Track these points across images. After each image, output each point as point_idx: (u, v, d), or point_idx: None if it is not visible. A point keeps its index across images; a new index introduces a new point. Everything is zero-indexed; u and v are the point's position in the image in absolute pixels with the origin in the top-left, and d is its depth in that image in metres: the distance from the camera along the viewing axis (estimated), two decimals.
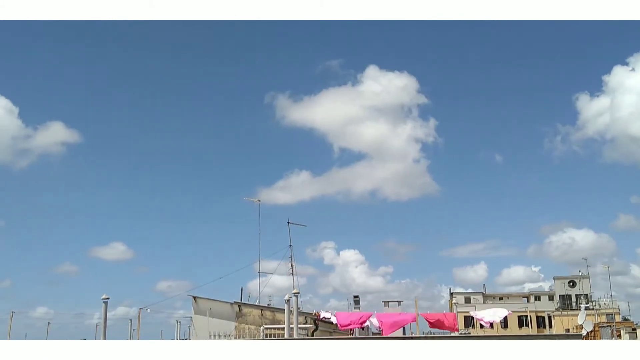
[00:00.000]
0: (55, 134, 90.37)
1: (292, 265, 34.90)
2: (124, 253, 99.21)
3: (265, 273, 35.37)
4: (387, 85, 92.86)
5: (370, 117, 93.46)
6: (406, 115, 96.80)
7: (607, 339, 40.31)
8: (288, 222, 35.61)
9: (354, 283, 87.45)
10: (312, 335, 27.19)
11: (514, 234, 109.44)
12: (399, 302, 38.26)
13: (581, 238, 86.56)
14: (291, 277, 34.92)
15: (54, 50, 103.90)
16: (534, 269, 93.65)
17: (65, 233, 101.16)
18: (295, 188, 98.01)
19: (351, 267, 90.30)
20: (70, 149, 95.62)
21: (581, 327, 35.12)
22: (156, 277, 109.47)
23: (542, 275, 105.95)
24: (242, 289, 35.17)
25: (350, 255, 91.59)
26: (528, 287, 74.26)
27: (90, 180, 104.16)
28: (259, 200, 37.87)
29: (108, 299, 21.64)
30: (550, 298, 69.03)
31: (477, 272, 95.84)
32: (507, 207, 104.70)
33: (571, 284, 67.36)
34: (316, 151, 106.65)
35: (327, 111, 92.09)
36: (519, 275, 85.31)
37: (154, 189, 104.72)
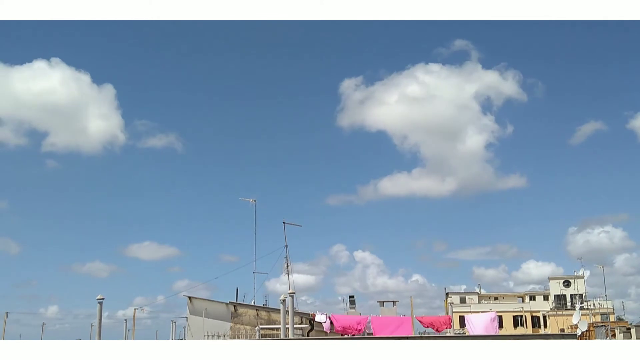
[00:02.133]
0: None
1: (287, 266, 34.82)
2: (158, 251, 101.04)
3: (261, 273, 35.23)
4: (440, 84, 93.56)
5: (436, 114, 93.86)
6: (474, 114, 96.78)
7: (601, 338, 40.44)
8: (283, 222, 35.51)
9: (372, 284, 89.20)
10: (308, 336, 27.18)
11: (543, 232, 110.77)
12: (394, 302, 38.10)
13: (609, 236, 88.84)
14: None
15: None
16: (558, 267, 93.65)
17: (98, 233, 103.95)
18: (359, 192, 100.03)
19: (370, 268, 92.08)
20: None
21: (576, 327, 35.24)
22: (180, 277, 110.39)
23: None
24: (237, 289, 35.08)
25: (366, 256, 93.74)
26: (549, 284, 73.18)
27: (143, 182, 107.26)
28: (255, 200, 37.69)
29: (103, 299, 21.80)
30: (545, 298, 69.21)
31: (499, 272, 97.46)
32: (536, 206, 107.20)
33: (566, 284, 67.54)
34: (383, 152, 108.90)
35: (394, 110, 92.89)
36: (540, 273, 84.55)
37: (208, 190, 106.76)
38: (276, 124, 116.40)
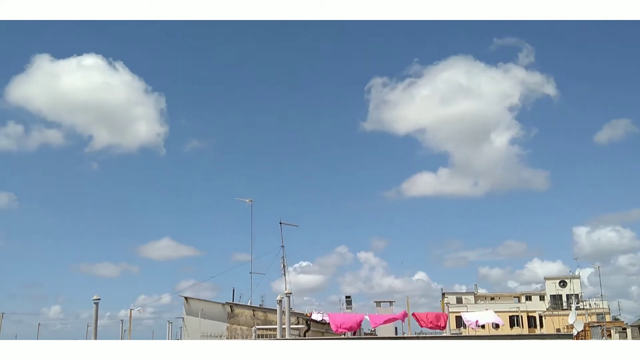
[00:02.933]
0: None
1: (284, 266, 34.75)
2: (175, 251, 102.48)
3: (258, 273, 35.15)
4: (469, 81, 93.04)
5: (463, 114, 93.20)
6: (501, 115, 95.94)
7: (597, 338, 40.55)
8: (280, 223, 35.45)
9: (377, 284, 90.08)
10: (305, 336, 27.16)
11: (560, 231, 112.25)
12: (390, 302, 38.23)
13: (619, 235, 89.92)
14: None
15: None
16: (565, 266, 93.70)
17: (115, 234, 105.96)
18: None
19: (377, 269, 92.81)
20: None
21: (572, 326, 35.39)
22: (193, 277, 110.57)
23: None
24: (234, 290, 35.03)
25: (373, 256, 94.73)
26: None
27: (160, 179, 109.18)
28: (251, 200, 37.59)
29: (99, 299, 21.87)
30: (541, 298, 69.39)
31: (505, 272, 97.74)
32: (558, 205, 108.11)
33: (562, 284, 67.72)
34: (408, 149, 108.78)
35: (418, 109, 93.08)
36: (547, 272, 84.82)
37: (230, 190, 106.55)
38: (304, 124, 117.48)
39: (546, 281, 69.60)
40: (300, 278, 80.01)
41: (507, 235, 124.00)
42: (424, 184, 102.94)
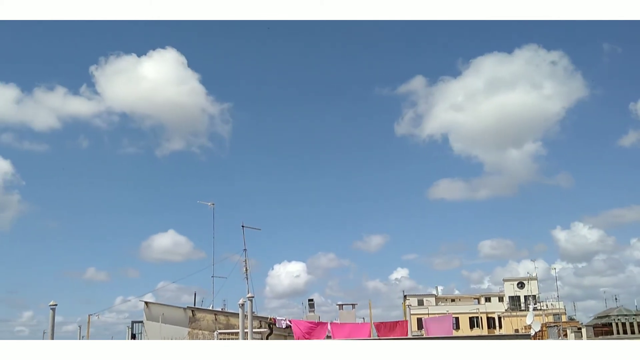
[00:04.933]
0: None
1: (246, 270, 34.43)
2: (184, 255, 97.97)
3: (220, 277, 34.78)
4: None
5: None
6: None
7: (554, 338, 41.55)
8: (242, 226, 35.14)
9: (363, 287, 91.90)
10: (267, 340, 27.02)
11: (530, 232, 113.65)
12: (353, 305, 38.25)
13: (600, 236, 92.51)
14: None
15: None
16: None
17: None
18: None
19: (362, 271, 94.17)
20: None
21: (530, 327, 36.22)
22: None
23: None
24: (195, 294, 34.62)
25: (361, 260, 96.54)
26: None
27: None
28: (213, 204, 37.14)
29: (56, 305, 21.48)
30: (500, 299, 70.73)
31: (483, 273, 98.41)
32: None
33: (520, 285, 69.17)
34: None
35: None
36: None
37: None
38: (335, 131, 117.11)
39: (504, 282, 71.00)
40: (285, 280, 79.98)
41: (497, 235, 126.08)
42: (444, 188, 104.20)
